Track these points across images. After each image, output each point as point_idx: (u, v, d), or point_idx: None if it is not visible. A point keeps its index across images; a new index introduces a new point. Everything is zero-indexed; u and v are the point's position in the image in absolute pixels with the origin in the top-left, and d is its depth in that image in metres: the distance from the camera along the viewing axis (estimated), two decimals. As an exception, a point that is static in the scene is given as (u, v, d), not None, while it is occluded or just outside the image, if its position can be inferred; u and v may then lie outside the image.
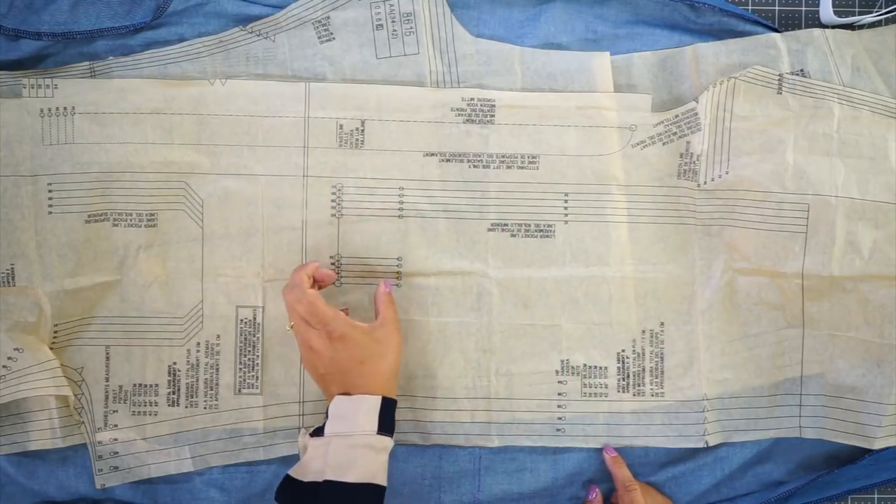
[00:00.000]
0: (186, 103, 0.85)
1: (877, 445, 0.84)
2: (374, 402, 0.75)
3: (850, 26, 0.90)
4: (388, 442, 0.74)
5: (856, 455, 0.86)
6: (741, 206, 0.86)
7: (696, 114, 0.87)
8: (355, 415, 0.74)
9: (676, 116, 0.87)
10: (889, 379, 0.84)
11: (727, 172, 0.86)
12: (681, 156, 0.87)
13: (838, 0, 0.91)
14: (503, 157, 0.87)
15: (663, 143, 0.88)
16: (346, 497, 0.71)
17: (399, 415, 0.85)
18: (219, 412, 0.85)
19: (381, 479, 0.73)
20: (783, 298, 0.87)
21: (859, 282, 0.85)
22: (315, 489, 0.71)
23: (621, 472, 0.85)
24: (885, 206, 0.86)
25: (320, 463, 0.72)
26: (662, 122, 0.87)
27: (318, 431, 0.75)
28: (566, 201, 0.87)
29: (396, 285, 0.86)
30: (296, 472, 0.73)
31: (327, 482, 0.71)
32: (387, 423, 0.74)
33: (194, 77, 0.86)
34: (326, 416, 0.75)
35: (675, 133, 0.87)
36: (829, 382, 0.86)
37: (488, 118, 0.87)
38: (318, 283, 0.81)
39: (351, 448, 0.73)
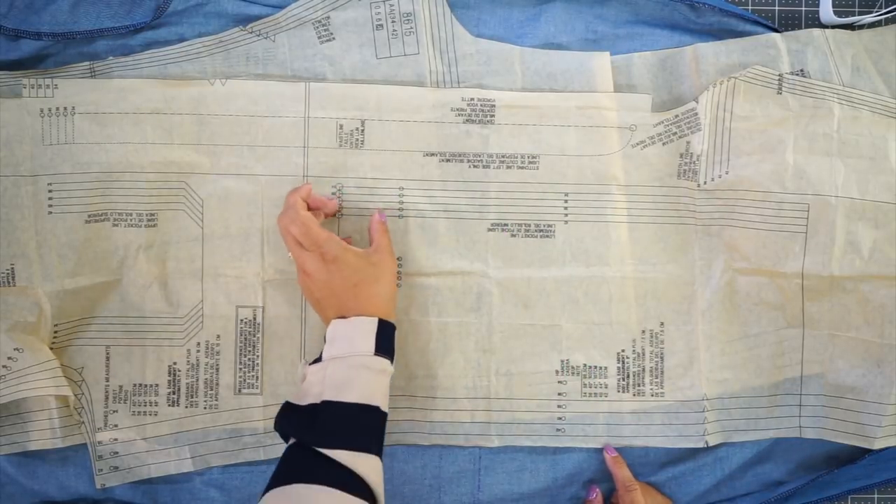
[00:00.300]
0: (186, 103, 0.85)
1: (877, 445, 0.84)
2: (371, 324, 0.75)
3: (850, 26, 0.90)
4: (386, 364, 0.75)
5: (856, 455, 0.86)
6: (741, 206, 0.86)
7: (696, 114, 0.87)
8: (352, 336, 0.75)
9: (676, 116, 0.87)
10: (889, 379, 0.84)
11: (727, 172, 0.86)
12: (681, 156, 0.87)
13: (838, 0, 0.91)
14: (503, 157, 0.87)
15: (663, 143, 0.88)
16: (344, 416, 0.71)
17: (399, 415, 0.86)
18: (219, 412, 0.85)
19: (380, 402, 0.73)
20: (783, 298, 0.87)
21: (859, 282, 0.85)
22: (314, 410, 0.71)
23: (622, 473, 0.85)
24: (885, 206, 0.86)
25: (318, 387, 0.72)
26: (662, 122, 0.87)
27: (317, 361, 0.75)
28: (566, 201, 0.87)
29: (397, 285, 0.86)
30: (294, 399, 0.74)
31: (325, 402, 0.71)
32: (385, 345, 0.75)
33: (194, 77, 0.86)
34: (325, 342, 0.76)
35: (675, 133, 0.87)
36: (829, 382, 0.86)
37: (488, 118, 0.87)
38: (313, 210, 0.81)
39: (349, 369, 0.73)
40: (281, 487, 0.67)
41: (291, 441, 0.72)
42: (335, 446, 0.69)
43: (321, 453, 0.69)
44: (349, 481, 0.68)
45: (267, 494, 0.67)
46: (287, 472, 0.69)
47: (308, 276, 0.77)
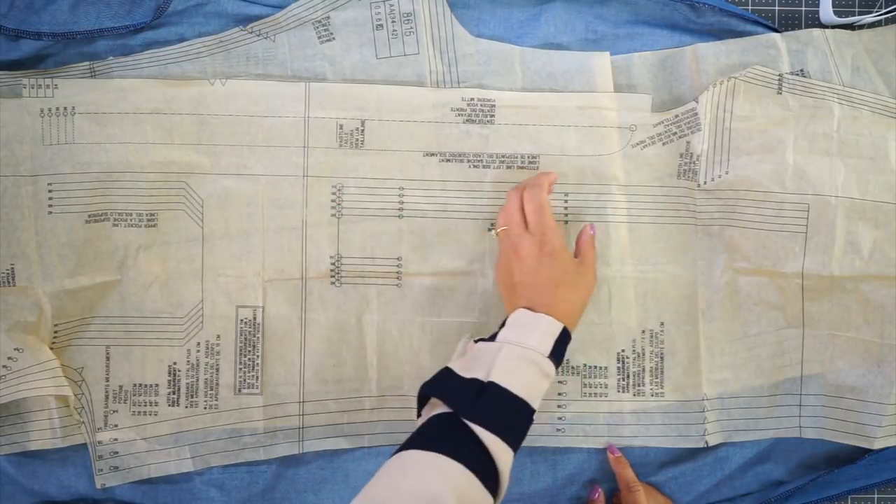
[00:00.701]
0: (186, 103, 0.85)
1: (877, 445, 0.84)
2: (555, 327, 0.75)
3: (850, 26, 0.90)
4: (553, 370, 0.74)
5: (856, 455, 0.86)
6: (741, 206, 0.86)
7: (696, 114, 0.87)
8: (533, 330, 0.74)
9: (676, 116, 0.87)
10: (889, 379, 0.84)
11: (727, 172, 0.86)
12: (681, 156, 0.87)
13: (838, 0, 0.91)
14: (503, 157, 0.87)
15: (663, 143, 0.88)
16: (508, 404, 0.70)
17: (399, 415, 0.86)
18: (219, 412, 0.85)
19: (537, 405, 0.72)
20: (783, 298, 0.87)
21: (859, 282, 0.85)
22: (480, 387, 0.70)
23: (625, 473, 0.85)
24: (885, 206, 0.86)
25: (486, 365, 0.72)
26: (662, 122, 0.87)
27: (483, 341, 0.75)
28: (566, 201, 0.87)
29: (397, 286, 0.86)
30: (456, 367, 0.73)
31: (493, 384, 0.70)
32: (558, 352, 0.74)
33: (194, 77, 0.86)
34: (501, 326, 0.75)
35: (675, 133, 0.87)
36: (829, 382, 0.87)
37: (488, 118, 0.87)
38: None
39: (521, 360, 0.72)
40: (423, 452, 0.67)
41: (438, 411, 0.71)
42: (491, 428, 0.68)
43: (470, 430, 0.68)
44: (487, 470, 0.67)
45: (405, 452, 0.67)
46: (432, 438, 0.69)
47: (519, 258, 0.77)
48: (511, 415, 0.70)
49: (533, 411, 0.71)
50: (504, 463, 0.68)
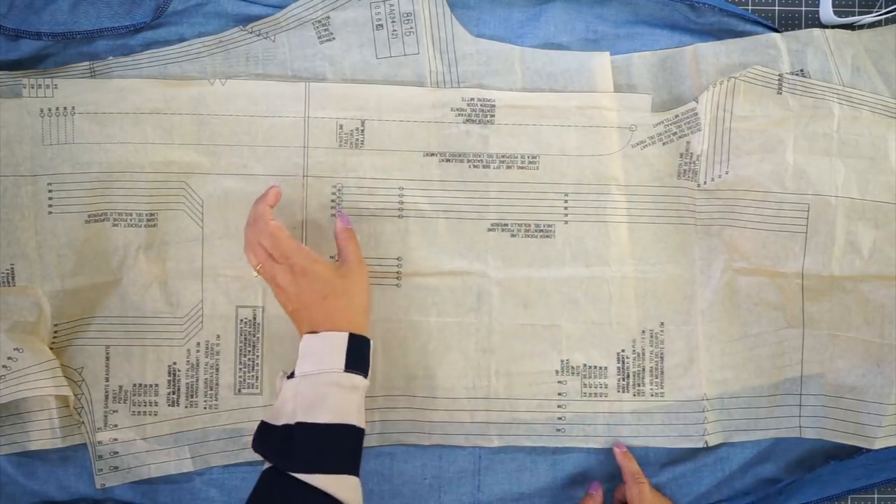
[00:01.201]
0: (186, 103, 0.85)
1: (877, 445, 0.84)
2: (341, 339, 0.73)
3: (850, 26, 0.90)
4: (358, 380, 0.73)
5: (853, 453, 0.87)
6: (741, 206, 0.86)
7: (696, 114, 0.87)
8: (322, 353, 0.73)
9: (676, 116, 0.87)
10: (889, 379, 0.84)
11: (727, 172, 0.86)
12: (681, 156, 0.87)
13: (838, 0, 0.91)
14: (503, 157, 0.87)
15: (663, 143, 0.88)
16: (319, 439, 0.70)
17: (399, 415, 0.86)
18: (219, 412, 0.85)
19: (354, 419, 0.72)
20: (783, 298, 0.87)
21: (859, 282, 0.85)
22: (288, 433, 0.70)
23: (631, 465, 0.85)
24: (885, 206, 0.86)
25: (291, 405, 0.71)
26: (662, 122, 0.87)
27: (292, 375, 0.74)
28: (566, 201, 0.88)
29: (397, 286, 0.86)
30: (269, 417, 0.72)
31: (299, 424, 0.70)
32: (355, 361, 0.73)
33: (194, 77, 0.86)
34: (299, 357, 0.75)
35: (675, 133, 0.87)
36: (829, 382, 0.87)
37: (488, 118, 0.87)
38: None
39: (319, 387, 0.72)
40: None
41: (267, 465, 0.71)
42: (312, 471, 0.68)
43: (298, 479, 0.68)
44: None
45: None
46: (263, 501, 0.69)
47: (281, 289, 0.76)
48: (328, 446, 0.70)
49: (353, 428, 0.72)
50: (344, 491, 0.69)
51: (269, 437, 0.72)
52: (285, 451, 0.69)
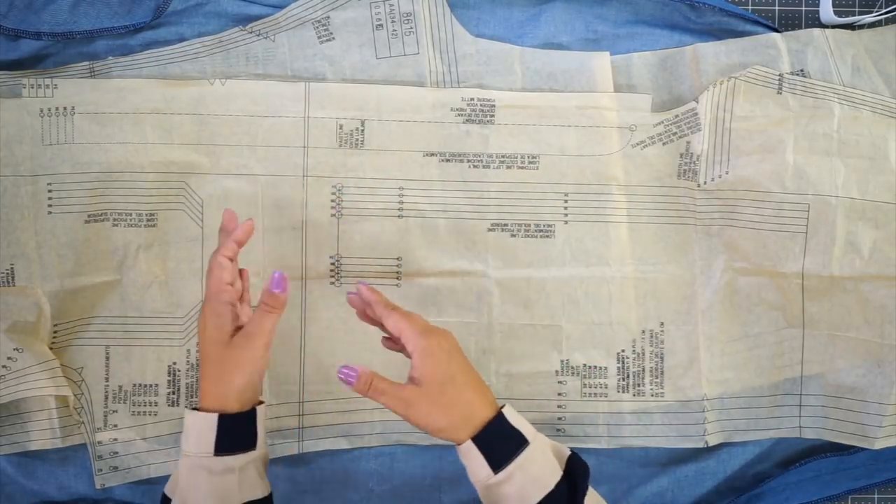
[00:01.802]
0: (186, 103, 0.85)
1: (877, 445, 0.85)
2: (210, 422, 0.68)
3: (851, 26, 0.90)
4: (231, 461, 0.68)
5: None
6: (741, 206, 0.87)
7: (696, 114, 0.87)
8: (193, 434, 0.69)
9: (676, 116, 0.87)
10: (889, 379, 0.84)
11: (727, 172, 0.86)
12: (681, 156, 0.88)
13: (838, 0, 0.91)
14: (503, 157, 0.87)
15: (663, 143, 0.88)
16: None
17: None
18: (218, 412, 0.85)
19: (237, 492, 0.67)
20: (783, 298, 0.87)
21: (859, 282, 0.85)
22: None
23: (380, 298, 0.74)
24: (885, 206, 0.86)
25: (175, 485, 0.69)
26: (662, 122, 0.87)
27: None
28: (566, 201, 0.88)
29: (397, 286, 0.86)
30: (168, 489, 0.70)
31: None
32: (226, 441, 0.68)
33: (194, 77, 0.86)
34: None
35: (675, 133, 0.88)
36: (829, 382, 0.87)
37: (488, 118, 0.87)
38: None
39: (192, 470, 0.68)
40: None
41: None
42: None
43: None
44: None
45: None
46: None
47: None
48: None
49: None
50: None
51: None
52: None
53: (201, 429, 0.68)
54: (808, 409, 0.87)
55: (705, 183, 0.87)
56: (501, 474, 0.66)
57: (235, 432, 0.69)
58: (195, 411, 0.69)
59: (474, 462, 0.67)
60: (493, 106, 0.87)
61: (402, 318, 0.71)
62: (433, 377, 0.69)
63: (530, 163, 0.87)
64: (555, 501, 0.66)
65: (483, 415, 0.68)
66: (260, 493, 0.69)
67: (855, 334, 0.86)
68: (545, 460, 0.67)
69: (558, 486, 0.66)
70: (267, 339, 0.70)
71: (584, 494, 0.66)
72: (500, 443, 0.67)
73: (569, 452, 0.69)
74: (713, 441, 0.86)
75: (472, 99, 0.87)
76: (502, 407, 0.69)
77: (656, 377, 0.87)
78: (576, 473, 0.67)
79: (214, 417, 0.68)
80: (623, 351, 0.87)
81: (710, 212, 0.87)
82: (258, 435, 0.70)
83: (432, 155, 0.87)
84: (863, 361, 0.86)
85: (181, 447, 0.69)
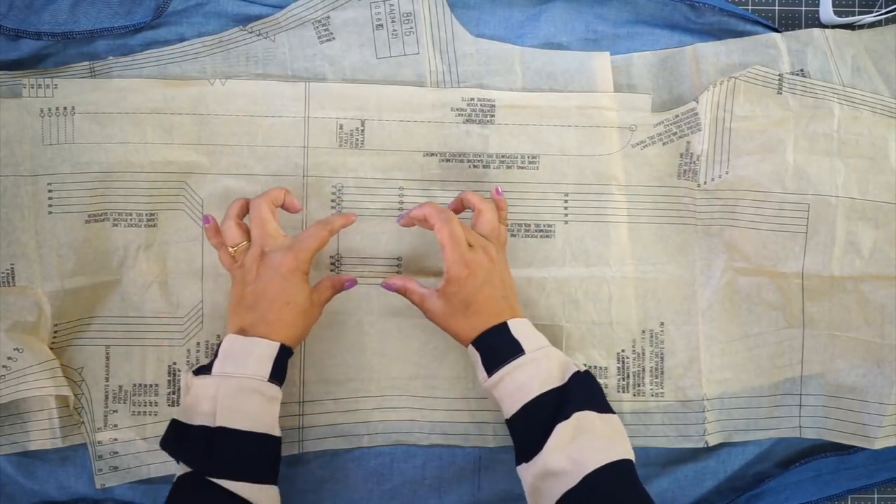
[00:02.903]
0: (186, 103, 0.85)
1: (877, 445, 0.85)
2: (271, 348, 0.72)
3: (850, 26, 0.91)
4: (276, 391, 0.73)
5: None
6: (741, 206, 0.87)
7: (696, 114, 0.87)
8: (245, 357, 0.71)
9: (676, 116, 0.88)
10: (889, 379, 0.84)
11: (727, 172, 0.87)
12: (681, 156, 0.88)
13: (838, 0, 0.91)
14: (503, 157, 0.87)
15: (663, 143, 0.88)
16: (243, 447, 0.69)
17: (399, 415, 0.86)
18: (219, 412, 0.85)
19: (274, 429, 0.72)
20: (783, 298, 0.87)
21: (859, 282, 0.86)
22: (209, 435, 0.69)
23: (435, 207, 0.79)
24: (885, 206, 0.86)
25: (209, 405, 0.70)
26: (662, 122, 0.88)
27: (202, 370, 0.72)
28: (566, 201, 0.88)
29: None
30: (182, 416, 0.71)
31: (221, 429, 0.69)
32: (279, 371, 0.73)
33: (194, 77, 0.86)
34: (215, 356, 0.73)
35: (675, 133, 0.88)
36: (829, 382, 0.87)
37: (488, 118, 0.87)
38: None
39: (240, 392, 0.70)
40: None
41: (183, 471, 0.69)
42: (235, 477, 0.68)
43: (218, 485, 0.67)
44: None
45: None
46: None
47: (245, 269, 0.76)
48: (252, 454, 0.70)
49: (273, 438, 0.71)
50: (266, 501, 0.69)
51: (184, 438, 0.70)
52: (207, 455, 0.68)
53: (262, 354, 0.72)
54: (807, 409, 0.87)
55: (705, 183, 0.87)
56: (493, 378, 0.74)
57: (283, 365, 0.73)
58: (253, 337, 0.72)
59: (476, 365, 0.75)
60: (494, 106, 0.87)
61: (447, 241, 0.76)
62: (452, 298, 0.76)
63: (530, 163, 0.88)
64: (539, 408, 0.71)
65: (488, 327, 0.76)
66: (279, 433, 0.73)
67: (855, 334, 0.86)
68: (537, 370, 0.73)
69: (545, 394, 0.72)
70: (324, 304, 0.79)
71: (574, 407, 0.70)
72: (495, 350, 0.74)
73: (575, 370, 0.74)
74: (713, 441, 0.86)
75: (472, 99, 0.87)
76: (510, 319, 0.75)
77: (656, 377, 0.87)
78: (572, 388, 0.72)
79: (277, 346, 0.73)
80: (623, 351, 0.88)
81: (711, 212, 0.87)
82: (286, 375, 0.75)
83: (432, 155, 0.87)
84: (863, 361, 0.86)
85: (217, 370, 0.71)
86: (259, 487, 0.69)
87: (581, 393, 0.72)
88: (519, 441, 0.73)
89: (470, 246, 0.76)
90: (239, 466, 0.68)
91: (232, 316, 0.75)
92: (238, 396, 0.70)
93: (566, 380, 0.73)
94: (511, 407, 0.73)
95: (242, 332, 0.73)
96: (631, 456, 0.70)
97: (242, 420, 0.69)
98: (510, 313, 0.76)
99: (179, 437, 0.70)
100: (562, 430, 0.69)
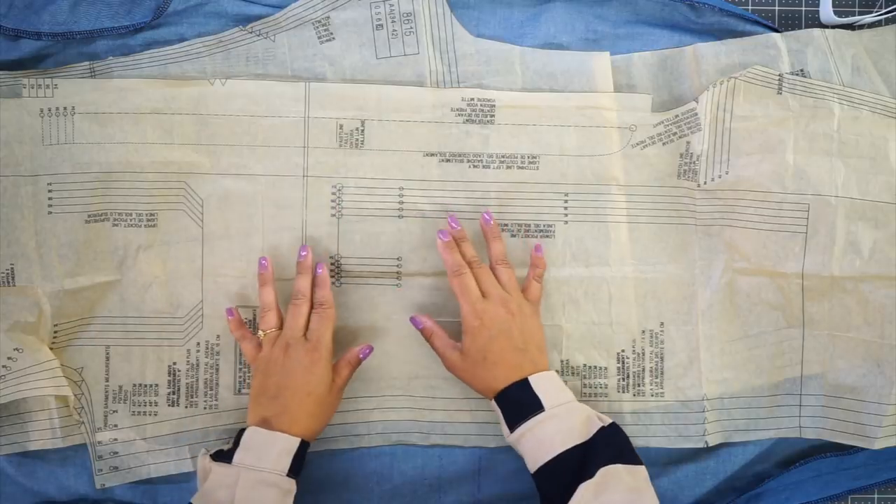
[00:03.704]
0: (186, 103, 0.85)
1: (877, 445, 0.85)
2: (292, 444, 0.75)
3: (850, 26, 0.91)
4: (293, 485, 0.75)
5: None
6: (741, 207, 0.87)
7: (696, 114, 0.87)
8: (268, 451, 0.74)
9: (676, 116, 0.88)
10: (889, 379, 0.85)
11: (727, 172, 0.87)
12: (681, 156, 0.88)
13: (838, 0, 0.91)
14: (503, 157, 0.88)
15: (663, 143, 0.88)
16: None
17: (399, 415, 0.87)
18: (219, 412, 0.86)
19: None
20: (783, 298, 0.87)
21: (859, 282, 0.86)
22: None
23: (452, 258, 0.83)
24: (885, 206, 0.86)
25: (227, 494, 0.72)
26: (662, 123, 0.88)
27: (221, 456, 0.75)
28: (566, 201, 0.88)
29: (397, 286, 0.87)
30: (200, 501, 0.73)
31: None
32: (297, 466, 0.75)
33: (194, 77, 0.86)
34: (235, 444, 0.75)
35: (675, 133, 0.88)
36: (829, 382, 0.87)
37: (488, 118, 0.87)
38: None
39: (259, 485, 0.73)
40: None
41: None
42: None
43: None
44: None
45: None
46: None
47: (268, 358, 0.80)
48: None
49: None
50: None
51: None
52: None
53: (282, 448, 0.74)
54: (807, 409, 0.88)
55: (705, 183, 0.87)
56: (515, 434, 0.76)
57: (300, 461, 0.76)
58: (275, 431, 0.75)
59: (500, 420, 0.78)
60: (493, 106, 0.87)
61: (458, 293, 0.81)
62: (469, 350, 0.80)
63: (530, 163, 0.88)
64: (562, 466, 0.73)
65: (509, 382, 0.78)
66: None
67: (855, 334, 0.86)
68: (559, 427, 0.74)
69: (568, 451, 0.73)
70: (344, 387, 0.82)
71: (599, 464, 0.71)
72: (516, 406, 0.77)
73: (600, 425, 0.75)
74: (713, 441, 0.87)
75: (472, 99, 0.87)
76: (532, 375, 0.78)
77: (656, 377, 0.88)
78: (597, 444, 0.73)
79: (297, 441, 0.75)
80: (623, 351, 0.88)
81: (710, 212, 0.88)
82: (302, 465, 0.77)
83: (432, 155, 0.88)
84: (863, 361, 0.86)
85: (237, 460, 0.74)
86: None
87: (607, 449, 0.73)
88: (543, 497, 0.75)
89: (485, 297, 0.80)
90: None
91: (254, 406, 0.78)
92: (256, 489, 0.72)
93: (590, 435, 0.74)
94: (534, 463, 0.75)
95: (265, 422, 0.76)
96: None
97: None
98: (532, 367, 0.78)
99: None
100: (584, 490, 0.70)
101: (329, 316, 0.81)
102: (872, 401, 0.85)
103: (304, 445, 0.76)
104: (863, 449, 0.87)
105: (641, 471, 0.74)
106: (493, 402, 0.78)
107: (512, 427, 0.76)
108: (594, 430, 0.74)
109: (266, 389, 0.77)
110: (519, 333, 0.80)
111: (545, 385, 0.77)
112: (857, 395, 0.86)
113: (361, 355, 0.82)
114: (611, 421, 0.76)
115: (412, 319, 0.84)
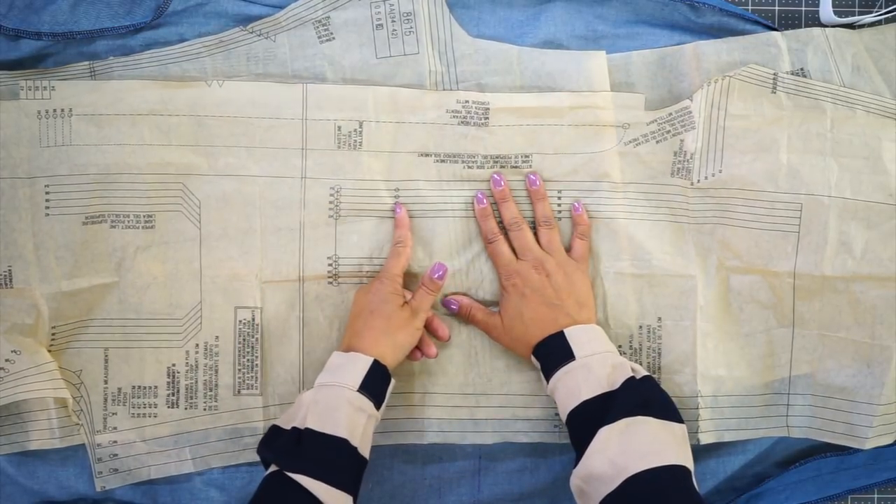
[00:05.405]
0: (184, 104, 0.86)
1: (867, 446, 0.87)
2: (364, 362, 0.79)
3: (850, 26, 0.92)
4: (367, 404, 0.77)
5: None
6: (734, 205, 0.88)
7: (690, 112, 0.88)
8: (342, 369, 0.78)
9: (670, 114, 0.89)
10: (879, 380, 0.86)
11: (720, 171, 0.88)
12: (674, 154, 0.89)
13: (838, 0, 0.92)
14: (497, 157, 0.89)
15: (657, 142, 0.89)
16: (326, 447, 0.74)
17: (397, 413, 0.88)
18: (218, 413, 0.87)
19: (358, 442, 0.75)
20: (774, 297, 0.89)
21: (851, 282, 0.87)
22: (298, 435, 0.74)
23: (486, 224, 0.89)
24: (878, 207, 0.87)
25: (304, 411, 0.76)
26: (656, 121, 0.89)
27: None
28: (559, 198, 0.89)
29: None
30: (280, 422, 0.77)
31: (308, 430, 0.74)
32: (370, 385, 0.78)
33: (194, 77, 0.87)
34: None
35: (668, 131, 0.89)
36: (818, 382, 0.89)
37: (482, 121, 0.89)
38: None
39: (331, 398, 0.76)
40: None
41: (271, 469, 0.74)
42: (317, 476, 0.72)
43: (295, 482, 0.71)
44: None
45: None
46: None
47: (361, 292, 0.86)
48: (333, 456, 0.74)
49: (353, 448, 0.75)
50: None
51: (276, 440, 0.75)
52: (291, 451, 0.73)
53: (356, 366, 0.79)
54: (795, 408, 0.89)
55: (699, 181, 0.89)
56: (550, 384, 0.81)
57: (376, 383, 0.79)
58: (352, 352, 0.80)
59: (540, 375, 0.84)
60: (487, 109, 0.89)
61: (492, 258, 0.88)
62: (506, 313, 0.86)
63: (523, 161, 0.89)
64: (585, 413, 0.77)
65: (545, 335, 0.83)
66: (366, 454, 0.77)
67: (845, 334, 0.88)
68: (587, 376, 0.78)
69: (592, 399, 0.77)
70: (426, 314, 0.85)
71: (622, 412, 0.74)
72: (550, 357, 0.81)
73: (629, 375, 0.78)
74: (706, 440, 0.88)
75: (466, 101, 0.88)
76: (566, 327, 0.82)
77: (653, 373, 0.88)
78: (621, 393, 0.76)
79: (370, 360, 0.79)
80: (620, 346, 0.89)
81: (704, 210, 0.89)
82: (384, 400, 0.80)
83: (428, 156, 0.89)
84: (853, 362, 0.88)
85: (318, 381, 0.79)
86: (335, 492, 0.72)
87: (631, 397, 0.76)
88: (573, 444, 0.78)
89: (520, 259, 0.86)
90: (317, 466, 0.72)
91: (344, 335, 0.84)
92: (329, 403, 0.76)
93: (617, 385, 0.77)
94: (564, 411, 0.79)
95: (348, 348, 0.81)
96: (687, 464, 0.73)
97: (328, 424, 0.74)
98: (567, 320, 0.83)
99: (272, 439, 0.76)
100: (605, 435, 0.73)
101: (397, 252, 0.86)
102: (862, 401, 0.87)
103: (377, 367, 0.79)
104: (853, 451, 0.88)
105: (677, 428, 0.76)
106: (532, 358, 0.83)
107: (548, 377, 0.81)
108: (621, 380, 0.77)
109: (349, 322, 0.84)
110: (553, 291, 0.85)
111: (580, 336, 0.81)
112: (847, 395, 0.88)
113: (435, 276, 0.86)
114: (645, 374, 0.79)
115: (445, 303, 0.88)
